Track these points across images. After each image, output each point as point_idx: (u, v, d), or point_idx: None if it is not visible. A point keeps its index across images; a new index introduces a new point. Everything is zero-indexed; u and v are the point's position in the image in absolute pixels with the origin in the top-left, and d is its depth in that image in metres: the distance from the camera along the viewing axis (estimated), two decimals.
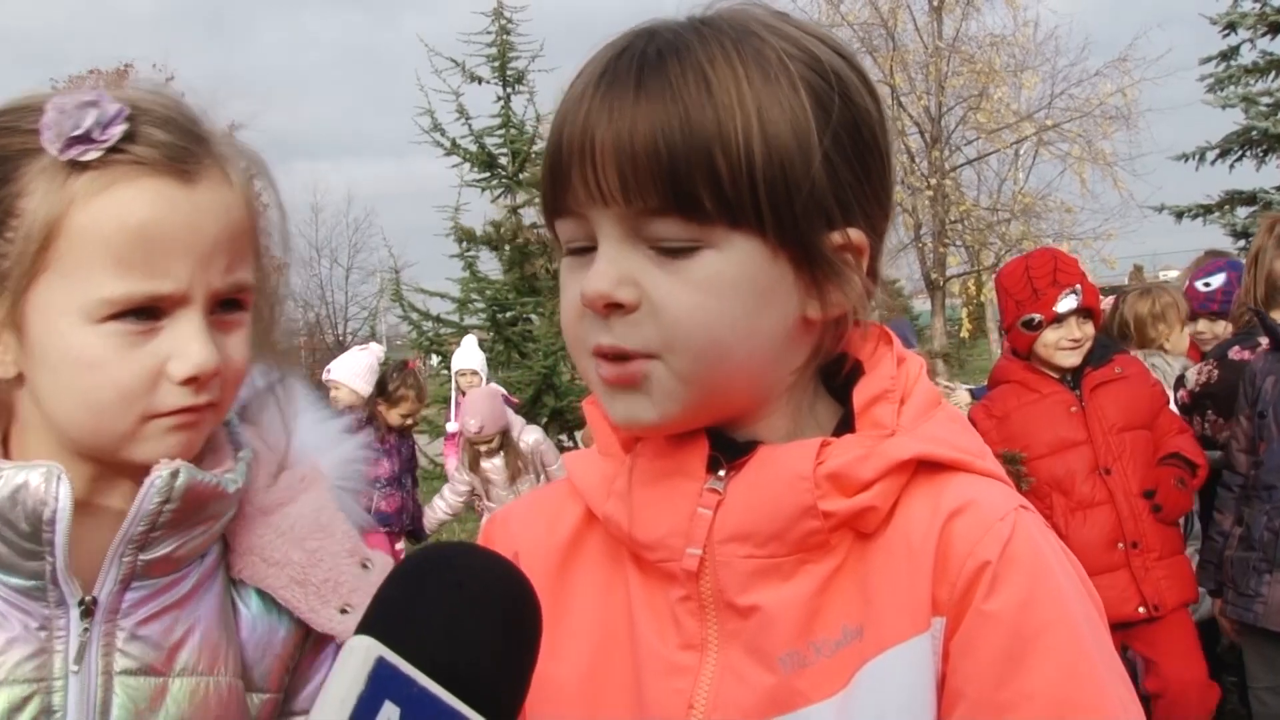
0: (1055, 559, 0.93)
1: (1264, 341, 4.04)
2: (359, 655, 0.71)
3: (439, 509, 7.14)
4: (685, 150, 0.90)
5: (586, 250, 0.96)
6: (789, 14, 1.00)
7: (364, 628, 0.74)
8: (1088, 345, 3.83)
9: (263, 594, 1.25)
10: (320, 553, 1.26)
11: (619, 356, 0.94)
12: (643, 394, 0.95)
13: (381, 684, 0.71)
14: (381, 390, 6.96)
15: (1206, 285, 4.86)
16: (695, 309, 0.92)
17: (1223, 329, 4.75)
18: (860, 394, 1.00)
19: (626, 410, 0.96)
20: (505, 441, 6.81)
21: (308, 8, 77.87)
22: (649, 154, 0.90)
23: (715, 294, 0.92)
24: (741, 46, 0.94)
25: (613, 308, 0.93)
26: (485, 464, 6.80)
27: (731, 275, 0.92)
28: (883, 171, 1.00)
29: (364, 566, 1.29)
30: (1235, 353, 4.19)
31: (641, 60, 0.93)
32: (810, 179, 0.93)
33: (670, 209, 0.91)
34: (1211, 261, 5.18)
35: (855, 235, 0.97)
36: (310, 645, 1.29)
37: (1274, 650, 3.43)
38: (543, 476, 6.81)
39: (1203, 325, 4.92)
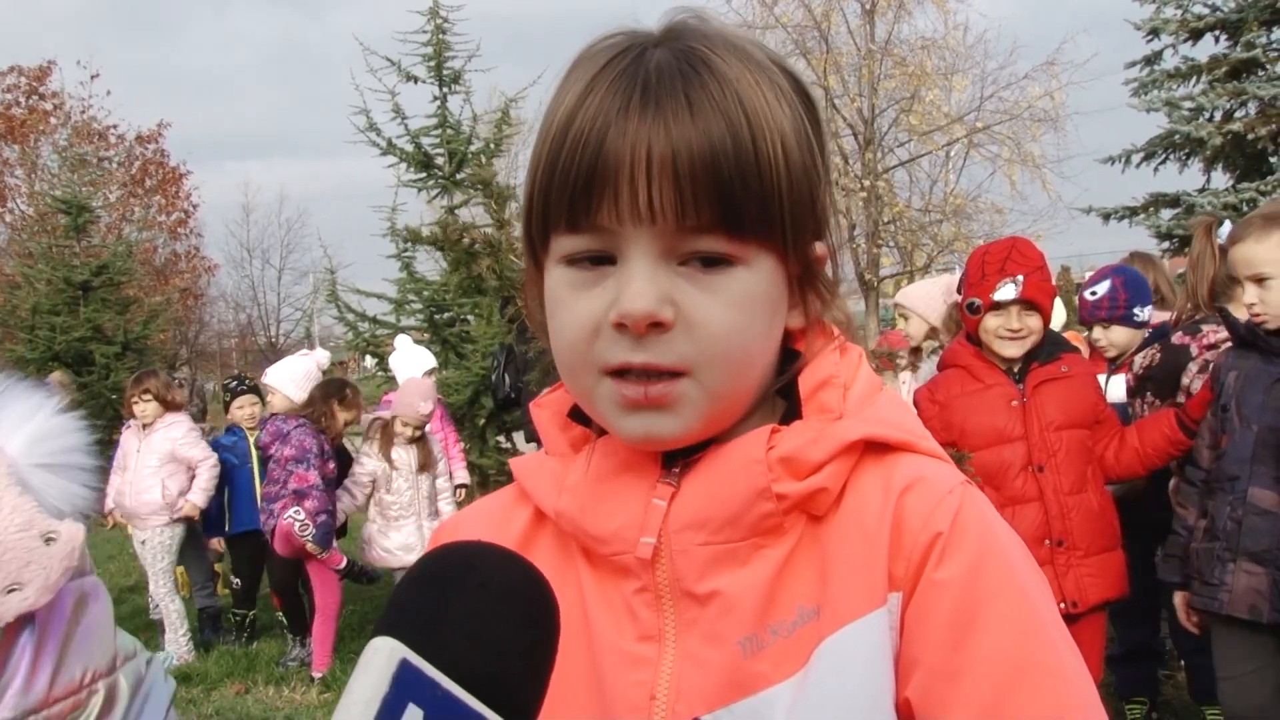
0: (1002, 529, 0.96)
1: (1206, 329, 4.16)
2: (383, 657, 0.70)
3: (345, 502, 7.08)
4: (736, 167, 0.91)
5: (594, 262, 0.94)
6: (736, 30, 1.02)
7: (386, 629, 0.73)
8: (1031, 339, 3.81)
9: None
10: None
11: (646, 376, 0.93)
12: (669, 412, 0.95)
13: (405, 687, 0.70)
14: (339, 393, 6.94)
15: (1093, 294, 4.90)
16: (731, 324, 0.94)
17: (1119, 335, 4.83)
18: (806, 382, 1.02)
19: (646, 427, 0.96)
20: (424, 433, 6.98)
21: (234, 4, 76.68)
22: (707, 170, 0.90)
23: (745, 309, 0.94)
24: (748, 63, 0.95)
25: (652, 326, 0.92)
26: (396, 452, 6.89)
27: (758, 290, 0.95)
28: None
29: (47, 541, 1.22)
30: (1178, 338, 4.29)
31: (681, 74, 0.92)
32: (817, 197, 0.98)
33: (718, 226, 0.92)
34: (1098, 270, 5.22)
35: (826, 246, 1.02)
36: None
37: (1240, 637, 3.47)
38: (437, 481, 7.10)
39: (1097, 333, 4.98)
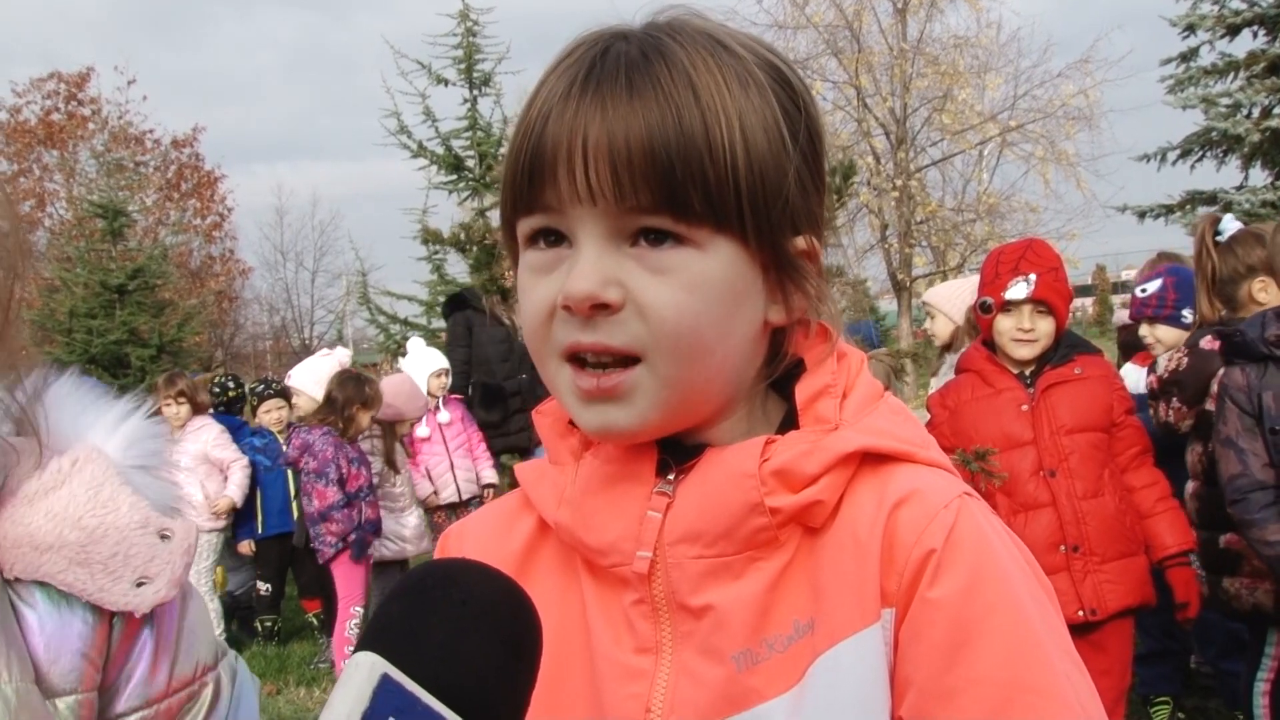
0: (1001, 543, 0.94)
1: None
2: (364, 672, 0.71)
3: None
4: (678, 151, 0.90)
5: (552, 239, 0.96)
6: (727, 24, 1.01)
7: (368, 644, 0.74)
8: (1043, 342, 3.74)
9: (48, 588, 1.19)
10: (103, 529, 1.21)
11: (600, 366, 0.94)
12: (623, 402, 0.94)
13: (386, 701, 0.70)
14: (361, 396, 6.86)
15: (1143, 291, 4.85)
16: (681, 308, 0.92)
17: (1166, 334, 4.75)
18: (803, 390, 1.01)
19: (602, 419, 0.95)
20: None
21: (260, 8, 77.32)
22: (643, 152, 0.90)
23: (699, 294, 0.93)
24: (717, 55, 0.95)
25: (598, 308, 0.92)
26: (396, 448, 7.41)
27: (714, 276, 0.94)
28: (825, 177, 1.02)
29: (163, 537, 1.24)
30: (1207, 343, 4.15)
31: (629, 61, 0.93)
32: (785, 187, 0.95)
33: (661, 207, 0.92)
34: (1152, 268, 5.15)
35: (813, 241, 1.00)
36: (120, 636, 1.23)
37: None
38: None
39: (1143, 330, 4.90)
